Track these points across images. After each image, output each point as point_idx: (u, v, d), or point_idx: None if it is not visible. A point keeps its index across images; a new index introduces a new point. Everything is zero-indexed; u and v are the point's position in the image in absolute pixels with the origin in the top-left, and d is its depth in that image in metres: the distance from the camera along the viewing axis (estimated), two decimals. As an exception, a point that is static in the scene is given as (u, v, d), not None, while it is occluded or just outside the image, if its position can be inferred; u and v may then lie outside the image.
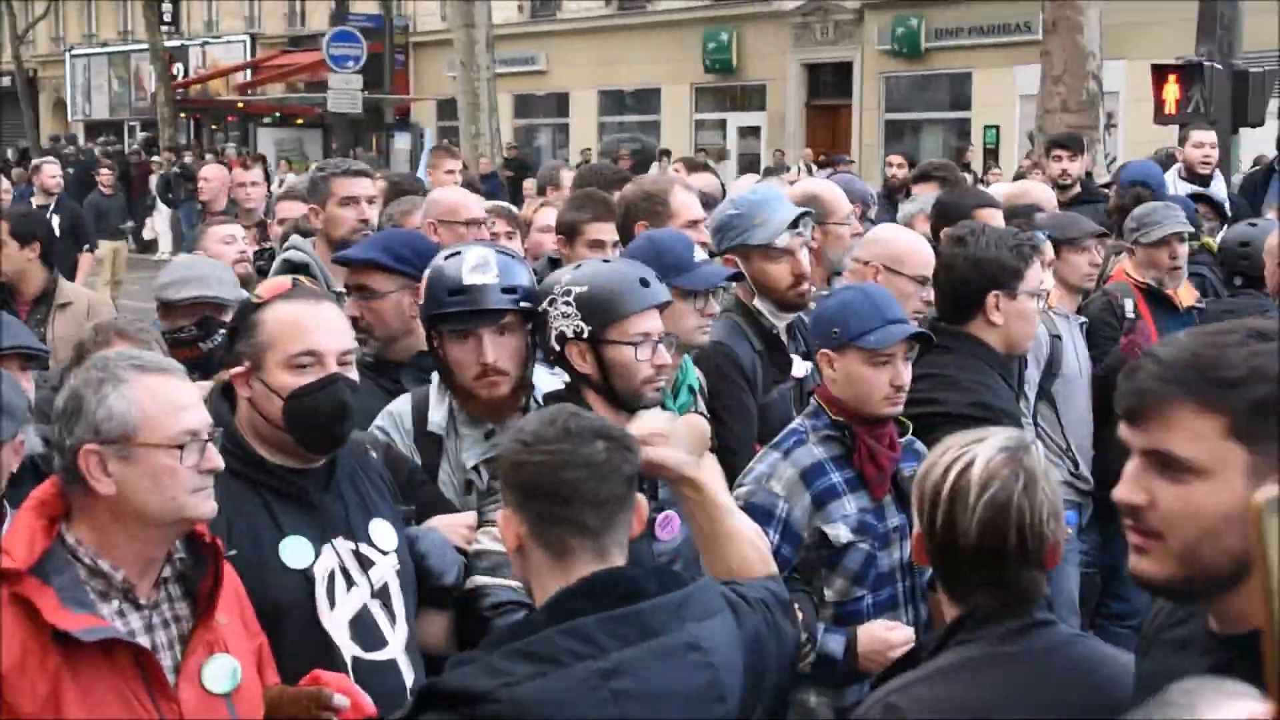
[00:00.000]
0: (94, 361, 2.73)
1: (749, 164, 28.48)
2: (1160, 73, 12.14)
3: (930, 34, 28.37)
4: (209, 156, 27.89)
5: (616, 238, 5.85)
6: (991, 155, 25.81)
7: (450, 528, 3.34)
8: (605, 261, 3.66)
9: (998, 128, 26.73)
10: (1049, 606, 2.50)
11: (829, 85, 30.81)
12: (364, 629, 3.10)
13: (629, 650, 2.27)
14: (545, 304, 3.48)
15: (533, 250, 6.69)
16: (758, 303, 4.61)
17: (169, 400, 2.67)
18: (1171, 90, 11.87)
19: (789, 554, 3.72)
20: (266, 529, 3.07)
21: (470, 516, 3.41)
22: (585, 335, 3.42)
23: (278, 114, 39.11)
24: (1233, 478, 1.97)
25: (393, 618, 3.13)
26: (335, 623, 3.07)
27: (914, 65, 29.07)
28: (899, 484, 3.84)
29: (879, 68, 29.53)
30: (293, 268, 5.40)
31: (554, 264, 5.74)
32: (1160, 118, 12.19)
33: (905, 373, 3.79)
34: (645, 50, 32.41)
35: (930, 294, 4.65)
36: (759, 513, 3.61)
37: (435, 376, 3.65)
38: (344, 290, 4.45)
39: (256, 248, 7.29)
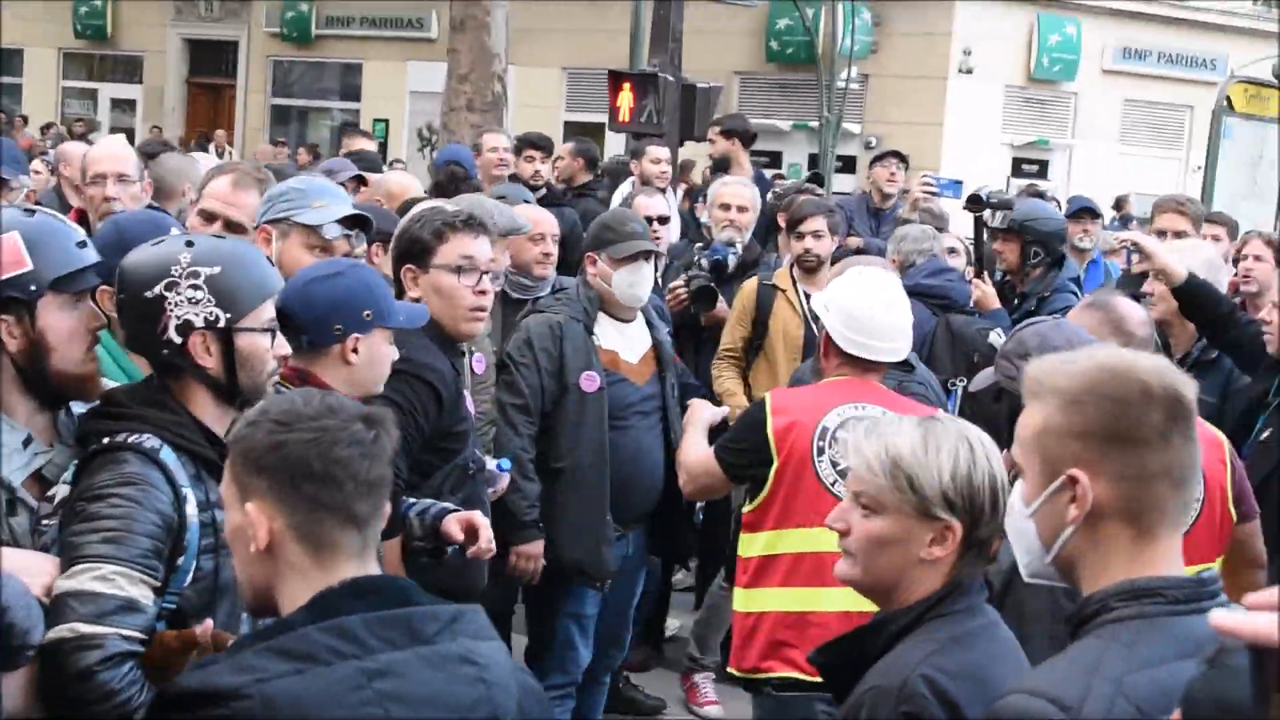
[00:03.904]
0: None
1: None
2: (616, 80, 12.34)
3: (321, 20, 27.94)
4: None
5: None
6: (381, 150, 25.69)
7: (26, 569, 2.62)
8: (220, 238, 3.17)
9: (387, 121, 26.69)
10: None
11: (212, 63, 29.71)
12: None
13: (397, 653, 2.03)
14: (161, 288, 2.93)
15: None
16: None
17: None
18: (626, 98, 12.10)
19: None
20: None
21: (51, 560, 2.75)
22: (221, 324, 2.94)
23: None
24: None
25: None
26: None
27: (304, 51, 28.52)
28: None
29: (267, 50, 28.77)
30: None
31: None
32: (615, 125, 12.38)
33: None
34: (8, 7, 29.92)
35: None
36: None
37: None
38: None
39: None
